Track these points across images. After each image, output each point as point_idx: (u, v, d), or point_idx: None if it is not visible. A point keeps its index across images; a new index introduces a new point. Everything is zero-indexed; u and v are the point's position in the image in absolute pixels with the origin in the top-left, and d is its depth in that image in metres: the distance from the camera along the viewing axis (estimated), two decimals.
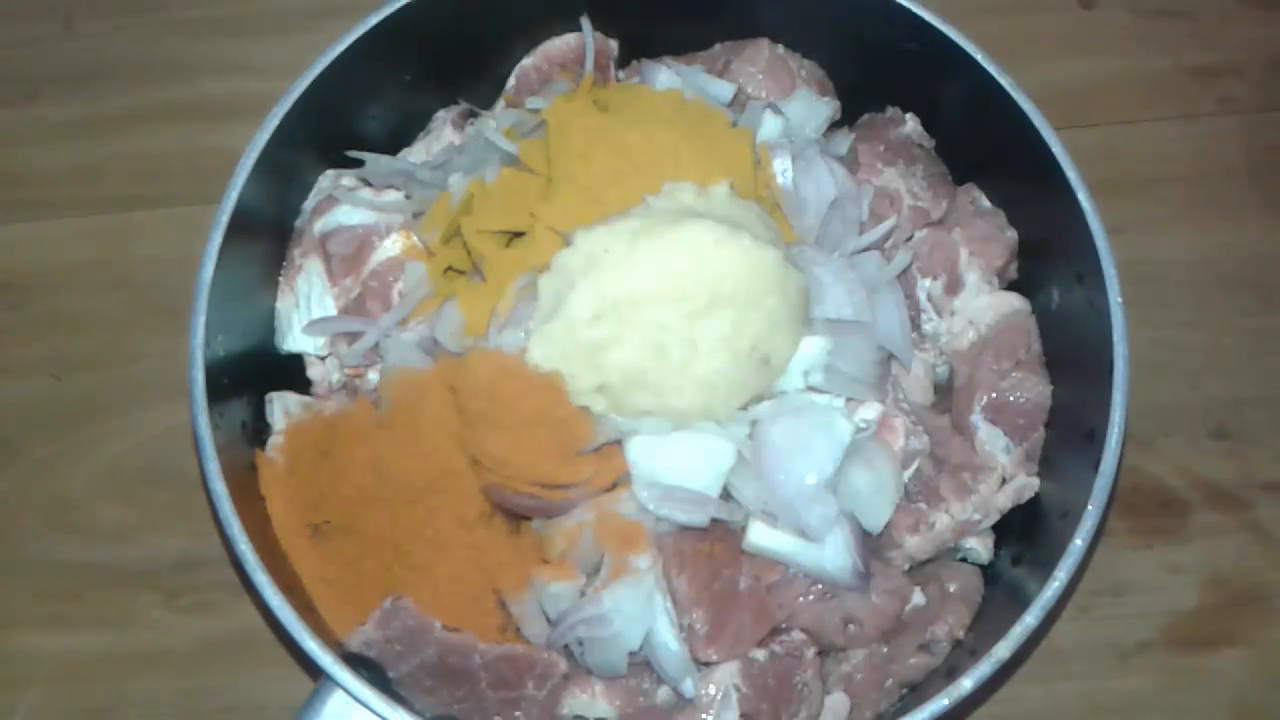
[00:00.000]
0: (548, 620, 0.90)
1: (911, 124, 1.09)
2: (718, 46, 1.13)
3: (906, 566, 0.96)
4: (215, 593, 1.09)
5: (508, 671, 0.88)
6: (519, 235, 0.97)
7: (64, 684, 1.07)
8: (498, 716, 0.89)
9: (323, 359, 1.03)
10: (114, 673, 1.08)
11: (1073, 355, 0.99)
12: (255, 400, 1.00)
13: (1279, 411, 1.15)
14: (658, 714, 0.91)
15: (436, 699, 0.89)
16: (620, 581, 0.88)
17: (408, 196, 1.04)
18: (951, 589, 0.97)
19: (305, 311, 1.02)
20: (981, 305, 1.03)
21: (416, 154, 1.10)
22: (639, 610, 0.87)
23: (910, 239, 1.04)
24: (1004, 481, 0.97)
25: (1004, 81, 1.01)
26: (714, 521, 0.90)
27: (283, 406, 0.99)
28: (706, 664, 0.90)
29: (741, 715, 0.89)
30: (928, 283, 1.03)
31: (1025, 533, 0.99)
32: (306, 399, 1.01)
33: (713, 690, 0.89)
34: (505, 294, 0.93)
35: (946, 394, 1.03)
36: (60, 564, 1.11)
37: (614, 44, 1.12)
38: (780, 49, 1.11)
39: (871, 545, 0.93)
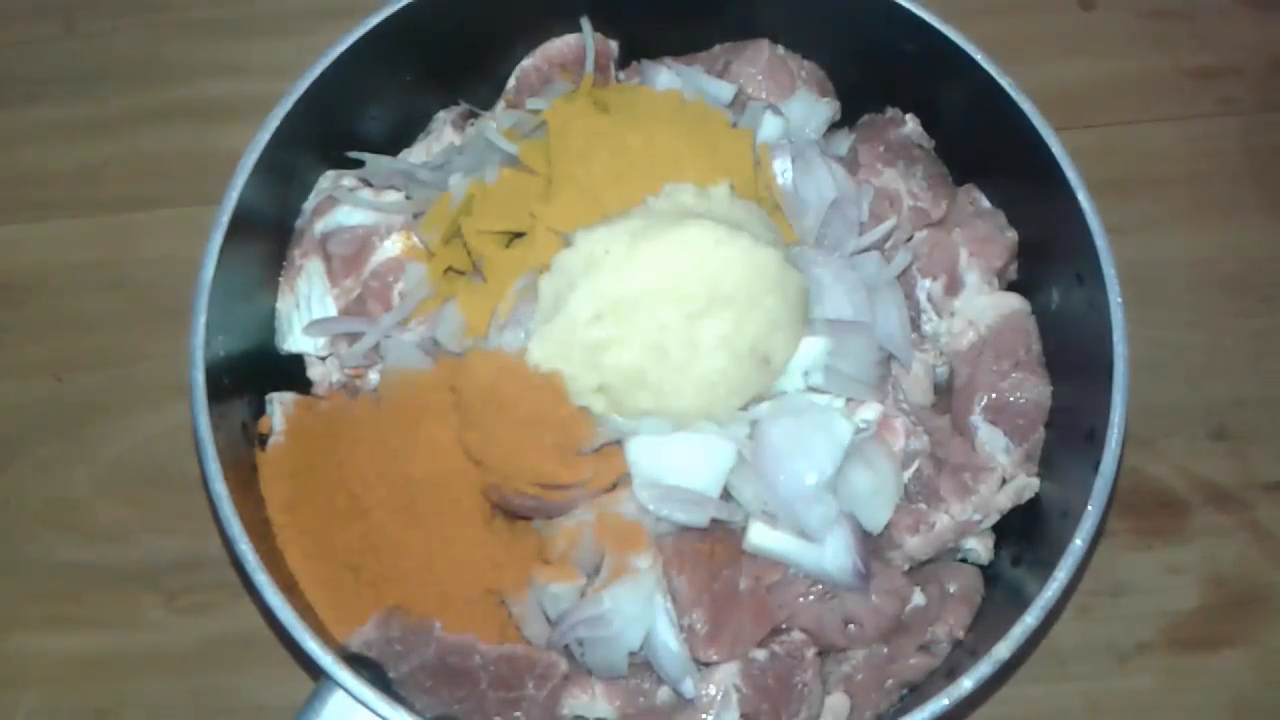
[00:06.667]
0: (548, 620, 0.90)
1: (911, 124, 1.09)
2: (718, 47, 1.13)
3: (906, 567, 0.96)
4: (215, 593, 1.09)
5: (508, 672, 0.88)
6: (519, 236, 0.97)
7: (64, 684, 1.07)
8: (498, 717, 0.89)
9: (323, 359, 1.03)
10: (114, 673, 1.07)
11: (1073, 355, 0.99)
12: (256, 401, 1.00)
13: (1279, 411, 1.15)
14: (658, 714, 0.91)
15: (436, 699, 0.89)
16: (620, 581, 0.88)
17: (408, 197, 1.04)
18: (951, 589, 0.97)
19: (306, 312, 1.02)
20: (981, 305, 1.03)
21: (417, 155, 1.10)
22: (639, 610, 0.87)
23: (910, 239, 1.04)
24: (1004, 482, 0.97)
25: (1004, 82, 1.01)
26: (714, 521, 0.90)
27: (283, 407, 0.99)
28: (706, 664, 0.90)
29: (742, 715, 0.89)
30: (928, 283, 1.03)
31: (1025, 533, 0.99)
32: (307, 399, 1.01)
33: (713, 690, 0.89)
34: (505, 294, 0.93)
35: (946, 394, 1.03)
36: (60, 564, 1.11)
37: (614, 45, 1.12)
38: (780, 49, 1.11)
39: (871, 545, 0.93)
